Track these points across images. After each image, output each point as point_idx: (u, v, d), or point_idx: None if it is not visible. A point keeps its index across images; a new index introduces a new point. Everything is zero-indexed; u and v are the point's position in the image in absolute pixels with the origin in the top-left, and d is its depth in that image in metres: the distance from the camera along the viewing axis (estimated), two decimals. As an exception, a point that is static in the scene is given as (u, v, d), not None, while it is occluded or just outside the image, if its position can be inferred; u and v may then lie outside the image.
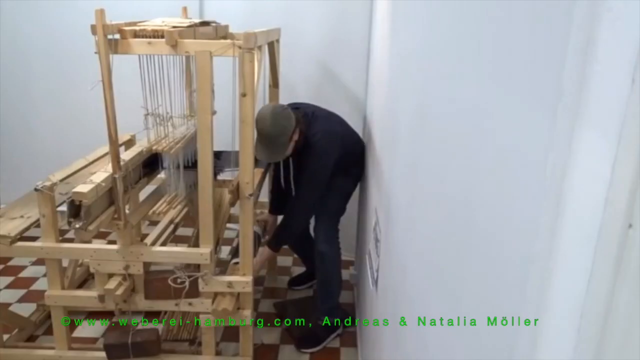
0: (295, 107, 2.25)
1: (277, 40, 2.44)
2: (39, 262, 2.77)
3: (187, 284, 1.88)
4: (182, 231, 2.47)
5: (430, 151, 0.92)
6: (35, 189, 1.82)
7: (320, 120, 2.25)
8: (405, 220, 1.17)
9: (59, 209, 1.88)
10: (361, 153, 2.44)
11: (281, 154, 2.14)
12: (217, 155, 1.88)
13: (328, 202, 2.32)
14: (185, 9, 2.49)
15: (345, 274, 2.67)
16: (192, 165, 2.06)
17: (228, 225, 2.60)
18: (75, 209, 1.65)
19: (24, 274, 2.89)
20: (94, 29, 1.61)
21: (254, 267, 1.99)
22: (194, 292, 1.91)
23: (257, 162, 2.06)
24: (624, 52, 0.35)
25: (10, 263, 2.96)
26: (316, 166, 2.19)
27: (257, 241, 2.34)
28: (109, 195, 1.79)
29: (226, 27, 2.24)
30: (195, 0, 3.05)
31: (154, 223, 2.36)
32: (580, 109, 0.37)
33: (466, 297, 0.66)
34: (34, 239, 2.01)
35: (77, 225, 1.65)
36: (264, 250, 2.26)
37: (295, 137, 2.14)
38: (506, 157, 0.53)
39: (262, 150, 2.08)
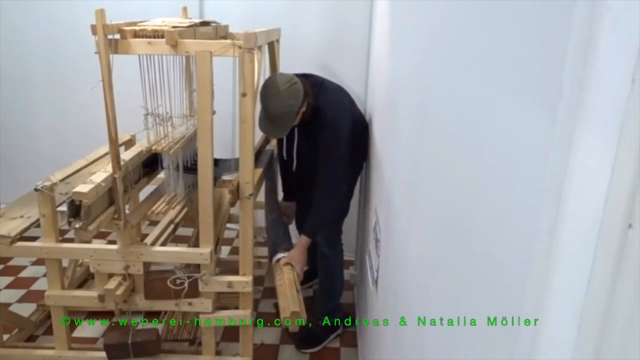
0: (304, 75, 2.15)
1: (277, 40, 2.44)
2: (39, 262, 2.77)
3: (186, 285, 1.88)
4: (182, 231, 2.47)
5: (430, 151, 0.92)
6: (35, 189, 1.82)
7: (329, 92, 2.16)
8: (405, 220, 1.17)
9: (59, 209, 1.88)
10: (364, 137, 2.32)
11: (286, 129, 2.08)
12: (215, 162, 1.87)
13: None
14: (185, 9, 2.49)
15: (345, 274, 2.67)
16: (191, 168, 2.06)
17: (228, 225, 2.60)
18: (75, 209, 1.65)
19: (24, 274, 2.89)
20: (94, 29, 1.61)
21: (299, 262, 2.09)
22: (194, 292, 1.91)
23: (257, 163, 2.05)
24: (624, 52, 0.35)
25: (10, 263, 2.96)
26: (332, 141, 2.08)
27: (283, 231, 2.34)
28: (109, 195, 1.79)
29: (226, 27, 2.24)
30: (195, 0, 3.05)
31: (154, 223, 2.36)
32: (580, 109, 0.37)
33: (466, 297, 0.66)
34: (34, 239, 2.01)
35: (77, 225, 1.65)
36: (301, 240, 2.17)
37: (303, 109, 2.05)
38: (506, 156, 0.53)
39: (266, 125, 2.03)
